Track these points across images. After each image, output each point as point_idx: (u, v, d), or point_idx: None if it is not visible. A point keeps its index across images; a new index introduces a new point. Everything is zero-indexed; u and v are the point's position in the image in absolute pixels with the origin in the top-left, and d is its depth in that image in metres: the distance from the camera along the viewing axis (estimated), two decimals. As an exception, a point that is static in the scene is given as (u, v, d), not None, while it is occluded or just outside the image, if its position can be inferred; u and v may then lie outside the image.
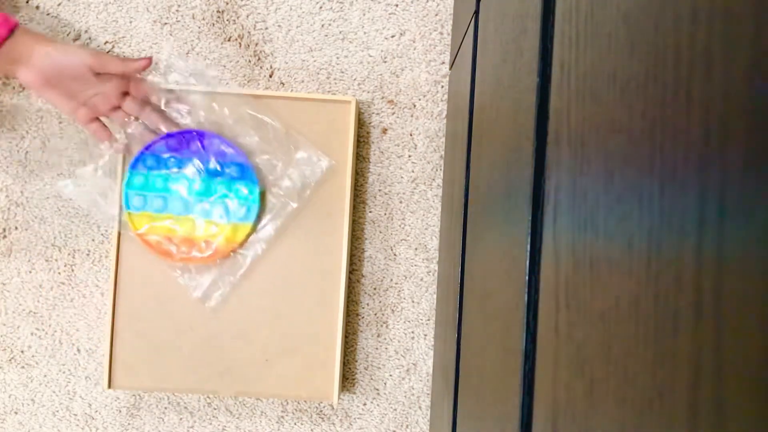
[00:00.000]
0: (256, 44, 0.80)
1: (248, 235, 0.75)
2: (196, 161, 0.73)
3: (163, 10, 0.80)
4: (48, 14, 0.80)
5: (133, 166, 0.73)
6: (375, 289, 0.81)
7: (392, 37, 0.81)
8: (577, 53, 0.28)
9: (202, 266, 0.75)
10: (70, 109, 0.67)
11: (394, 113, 0.81)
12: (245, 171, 0.74)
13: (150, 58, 0.68)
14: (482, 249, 0.48)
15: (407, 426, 0.81)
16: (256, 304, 0.76)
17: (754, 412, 0.14)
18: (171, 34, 0.80)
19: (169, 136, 0.73)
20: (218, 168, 0.74)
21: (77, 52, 0.65)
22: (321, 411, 0.80)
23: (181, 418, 0.80)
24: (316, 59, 0.81)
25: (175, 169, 0.73)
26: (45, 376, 0.80)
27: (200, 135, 0.74)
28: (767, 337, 0.13)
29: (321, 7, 0.81)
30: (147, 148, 0.73)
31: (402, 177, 0.81)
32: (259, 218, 0.75)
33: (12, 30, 0.63)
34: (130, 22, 0.80)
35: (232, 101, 0.75)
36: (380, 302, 0.81)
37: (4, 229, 0.80)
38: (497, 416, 0.38)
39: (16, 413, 0.80)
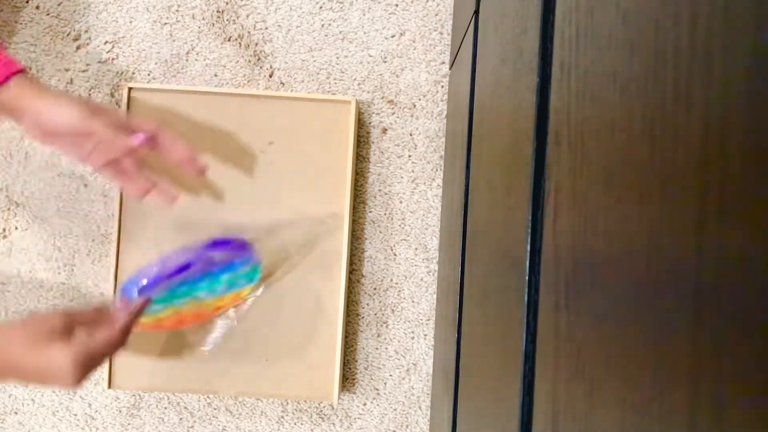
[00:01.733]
0: (256, 44, 0.80)
1: (252, 290, 0.75)
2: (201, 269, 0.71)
3: (163, 10, 0.80)
4: (48, 14, 0.80)
5: (139, 291, 0.68)
6: (375, 289, 0.81)
7: (392, 37, 0.81)
8: (577, 53, 0.28)
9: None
10: (79, 158, 0.62)
11: (394, 113, 0.81)
12: (246, 250, 0.72)
13: (136, 146, 0.62)
14: (482, 249, 0.48)
15: (407, 426, 0.81)
16: (256, 305, 0.76)
17: (754, 412, 0.14)
18: (171, 34, 0.80)
19: (176, 271, 0.68)
20: (222, 265, 0.71)
21: (68, 111, 0.59)
22: (321, 411, 0.80)
23: (181, 418, 0.80)
24: (316, 59, 0.81)
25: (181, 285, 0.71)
26: (45, 376, 0.80)
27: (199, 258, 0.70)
28: (767, 337, 0.13)
29: (321, 7, 0.81)
30: (153, 283, 0.68)
31: (402, 177, 0.81)
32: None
33: (7, 78, 0.58)
34: (130, 22, 0.80)
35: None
36: (380, 302, 0.81)
37: (4, 229, 0.80)
38: (497, 416, 0.38)
39: (16, 413, 0.80)
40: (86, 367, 0.54)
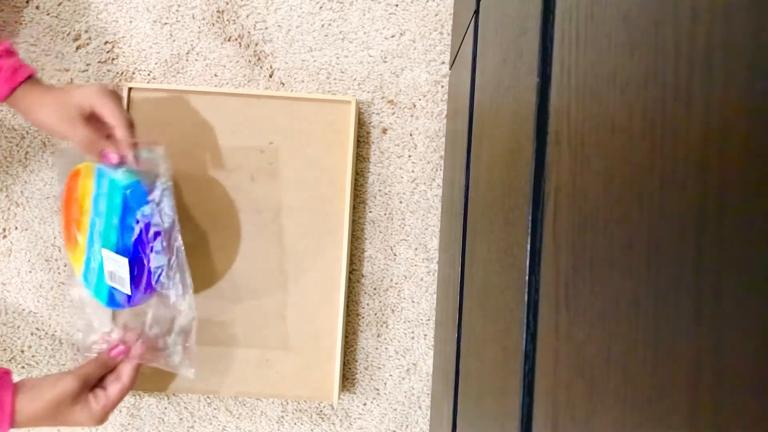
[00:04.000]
0: (256, 44, 0.80)
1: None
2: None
3: (163, 10, 0.80)
4: (48, 14, 0.80)
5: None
6: (375, 289, 0.81)
7: (392, 37, 0.81)
8: (577, 53, 0.28)
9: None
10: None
11: (394, 113, 0.81)
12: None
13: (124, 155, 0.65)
14: (482, 249, 0.48)
15: (407, 426, 0.81)
16: (256, 304, 0.76)
17: (754, 412, 0.14)
18: (171, 34, 0.80)
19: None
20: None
21: (53, 127, 0.64)
22: (321, 411, 0.80)
23: (181, 418, 0.80)
24: (316, 59, 0.81)
25: None
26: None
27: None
28: (767, 338, 0.13)
29: (321, 7, 0.81)
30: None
31: (402, 177, 0.81)
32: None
33: (12, 90, 0.64)
34: (130, 22, 0.80)
35: None
36: (380, 302, 0.81)
37: (4, 229, 0.80)
38: (497, 416, 0.38)
39: (16, 413, 0.80)
40: (107, 415, 0.64)
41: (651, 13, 0.20)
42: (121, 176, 0.64)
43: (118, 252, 0.64)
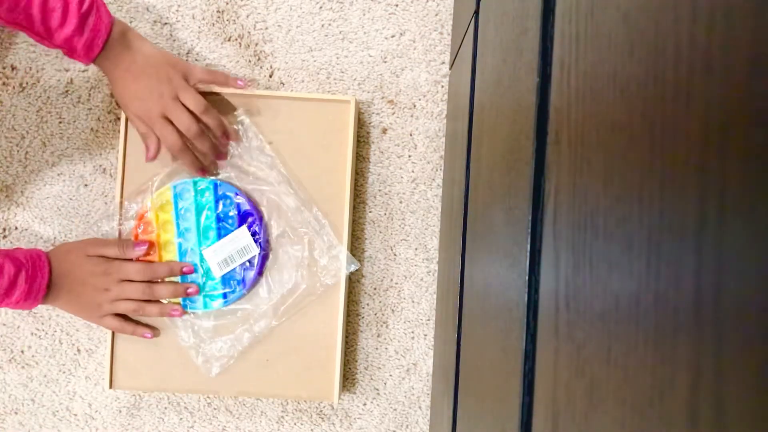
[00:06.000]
0: (256, 44, 0.80)
1: None
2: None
3: (163, 10, 0.80)
4: (48, 14, 0.80)
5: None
6: (375, 289, 0.81)
7: (392, 37, 0.81)
8: (577, 53, 0.28)
9: (209, 337, 0.74)
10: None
11: (394, 113, 0.81)
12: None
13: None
14: (482, 249, 0.48)
15: (407, 426, 0.81)
16: (256, 304, 0.76)
17: (754, 412, 0.14)
18: (171, 34, 0.80)
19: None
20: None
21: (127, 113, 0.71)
22: (321, 411, 0.80)
23: (181, 418, 0.80)
24: (316, 59, 0.81)
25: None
26: (45, 376, 0.80)
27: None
28: (767, 338, 0.13)
29: (321, 7, 0.81)
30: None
31: (402, 177, 0.81)
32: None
33: (89, 61, 0.68)
34: (130, 22, 0.80)
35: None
36: (380, 302, 0.81)
37: (5, 229, 0.80)
38: (497, 416, 0.38)
39: (16, 413, 0.80)
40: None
41: (651, 13, 0.20)
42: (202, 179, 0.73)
43: (228, 233, 0.72)
